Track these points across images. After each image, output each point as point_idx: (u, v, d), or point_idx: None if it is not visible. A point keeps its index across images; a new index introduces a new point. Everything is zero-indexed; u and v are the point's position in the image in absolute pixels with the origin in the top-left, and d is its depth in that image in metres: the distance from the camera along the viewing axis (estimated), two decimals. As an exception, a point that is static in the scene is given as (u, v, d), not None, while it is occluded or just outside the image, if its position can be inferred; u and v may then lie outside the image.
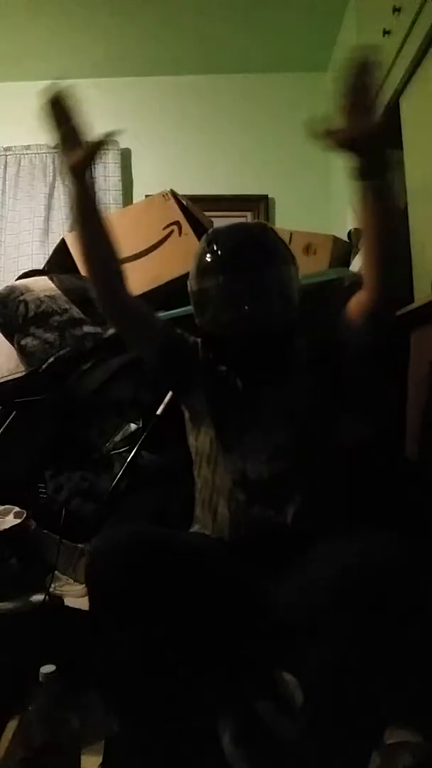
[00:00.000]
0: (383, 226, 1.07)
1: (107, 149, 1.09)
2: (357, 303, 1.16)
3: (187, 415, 1.30)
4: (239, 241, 1.22)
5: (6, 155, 3.14)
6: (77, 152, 1.11)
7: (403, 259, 1.11)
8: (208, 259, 1.21)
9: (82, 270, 2.08)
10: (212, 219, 2.46)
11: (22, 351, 1.73)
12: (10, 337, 1.77)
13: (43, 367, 1.66)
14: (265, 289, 1.18)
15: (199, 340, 1.32)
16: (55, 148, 1.10)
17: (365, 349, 1.21)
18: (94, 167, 1.16)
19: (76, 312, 1.77)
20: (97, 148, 1.12)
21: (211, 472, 1.20)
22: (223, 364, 1.25)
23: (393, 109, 1.94)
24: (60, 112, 1.10)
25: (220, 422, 1.21)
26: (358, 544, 0.93)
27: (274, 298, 1.18)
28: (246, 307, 1.16)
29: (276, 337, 1.20)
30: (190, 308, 1.63)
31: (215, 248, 1.21)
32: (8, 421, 1.60)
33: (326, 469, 1.19)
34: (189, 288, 1.26)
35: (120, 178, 3.11)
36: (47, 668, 1.01)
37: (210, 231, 1.28)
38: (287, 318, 1.21)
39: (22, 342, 1.72)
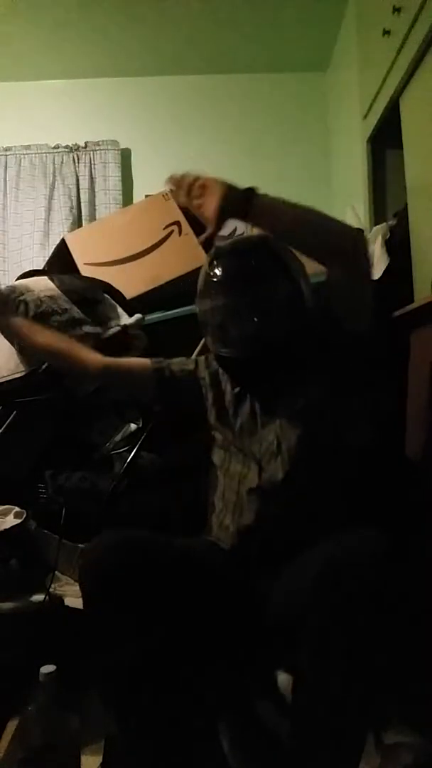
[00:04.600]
0: (288, 229, 1.12)
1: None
2: (328, 285, 1.17)
3: (211, 432, 1.31)
4: (239, 259, 1.22)
5: (6, 155, 3.14)
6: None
7: (324, 225, 1.13)
8: (211, 281, 1.22)
9: (82, 269, 2.08)
10: (212, 219, 2.46)
11: (22, 351, 1.73)
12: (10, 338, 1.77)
13: (43, 367, 1.65)
14: (269, 305, 1.18)
15: (201, 358, 1.36)
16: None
17: (360, 315, 1.20)
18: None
19: (76, 312, 1.77)
20: None
21: (220, 481, 1.22)
22: (235, 382, 1.27)
23: (393, 109, 1.94)
24: None
25: (233, 435, 1.23)
26: (335, 546, 0.94)
27: (277, 313, 1.18)
28: (249, 324, 1.17)
29: (284, 351, 1.21)
30: (190, 309, 1.64)
31: (216, 269, 1.22)
32: (8, 421, 1.60)
33: (335, 473, 1.19)
34: (196, 306, 1.27)
35: (120, 178, 3.11)
36: (47, 668, 1.01)
37: (212, 250, 1.27)
38: (294, 331, 1.20)
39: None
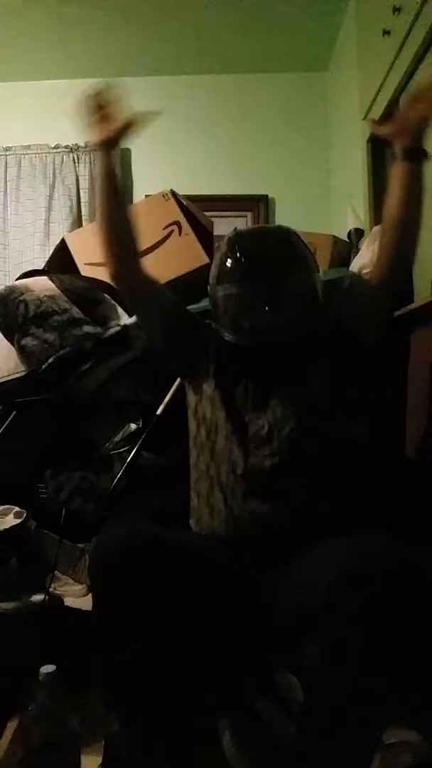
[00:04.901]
0: (412, 206, 1.18)
1: (138, 129, 1.31)
2: (372, 276, 1.21)
3: (191, 400, 1.29)
4: (263, 247, 1.21)
5: (6, 155, 3.14)
6: (108, 130, 1.25)
7: (416, 245, 1.22)
8: (230, 265, 1.20)
9: (82, 269, 2.08)
10: (212, 219, 2.46)
11: (22, 351, 1.73)
12: (10, 337, 1.77)
13: (43, 367, 1.65)
14: (287, 297, 1.17)
15: (214, 324, 1.32)
16: (87, 130, 1.27)
17: (377, 325, 1.24)
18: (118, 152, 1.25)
19: (76, 312, 1.77)
20: (128, 126, 1.27)
21: (210, 462, 1.20)
22: (238, 366, 1.25)
23: (393, 109, 1.94)
24: (97, 103, 1.25)
25: (226, 412, 1.21)
26: (355, 547, 0.93)
27: (295, 307, 1.18)
28: (266, 316, 1.16)
29: (294, 344, 1.21)
30: (190, 308, 1.64)
31: (238, 254, 1.19)
32: (8, 421, 1.60)
33: (328, 468, 1.19)
34: (209, 290, 1.25)
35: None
36: (47, 668, 1.01)
37: (232, 234, 1.25)
38: (307, 326, 1.21)
39: (22, 342, 1.72)
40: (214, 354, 1.28)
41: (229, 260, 1.20)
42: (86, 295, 1.83)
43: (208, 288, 1.25)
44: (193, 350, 1.29)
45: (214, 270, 1.24)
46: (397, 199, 1.18)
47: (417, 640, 0.88)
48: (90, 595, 1.28)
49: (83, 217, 3.08)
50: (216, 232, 2.39)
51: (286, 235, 1.23)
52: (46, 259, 2.43)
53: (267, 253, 1.19)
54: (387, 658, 0.86)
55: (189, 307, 1.70)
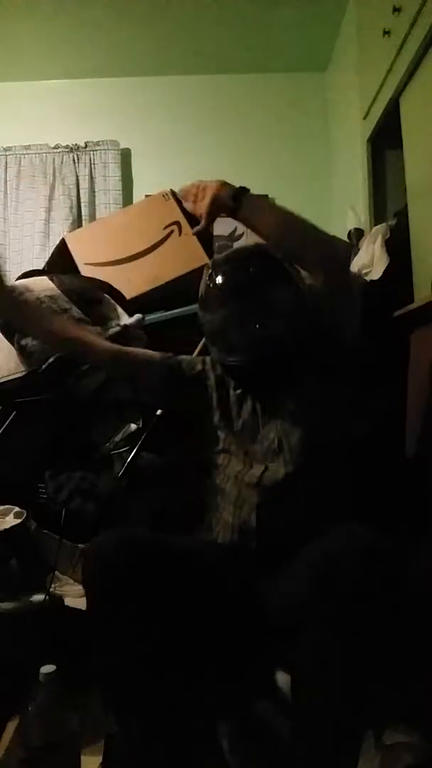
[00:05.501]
0: (275, 230, 1.18)
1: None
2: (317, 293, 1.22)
3: (207, 437, 1.32)
4: (237, 268, 1.23)
5: (6, 155, 3.14)
6: None
7: (311, 233, 1.19)
8: (212, 292, 1.24)
9: (82, 269, 2.08)
10: (212, 219, 2.46)
11: (22, 351, 1.73)
12: (10, 337, 1.77)
13: (43, 367, 1.65)
14: (269, 312, 1.19)
15: (208, 359, 1.37)
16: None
17: (343, 318, 1.23)
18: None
19: (76, 312, 1.77)
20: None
21: (222, 479, 1.23)
22: (239, 386, 1.29)
23: (393, 109, 1.94)
24: None
25: (236, 436, 1.24)
26: (320, 547, 0.95)
27: (282, 320, 1.20)
28: (255, 332, 1.18)
29: (287, 354, 1.22)
30: (190, 309, 1.65)
31: (217, 280, 1.23)
32: (8, 421, 1.60)
33: (335, 476, 1.20)
34: (199, 318, 1.29)
35: (120, 178, 3.11)
36: (47, 668, 1.01)
37: (210, 262, 1.30)
38: (297, 335, 1.22)
39: (22, 342, 1.72)
40: (214, 385, 1.32)
41: (208, 286, 1.24)
42: (86, 295, 1.83)
43: (198, 317, 1.28)
44: (195, 394, 1.33)
45: (200, 298, 1.27)
46: (264, 237, 1.20)
47: (398, 632, 0.88)
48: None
49: (83, 217, 3.08)
50: (216, 232, 2.39)
51: (259, 251, 1.26)
52: (46, 259, 2.43)
53: (241, 272, 1.22)
54: (368, 655, 0.86)
55: (186, 308, 1.71)
